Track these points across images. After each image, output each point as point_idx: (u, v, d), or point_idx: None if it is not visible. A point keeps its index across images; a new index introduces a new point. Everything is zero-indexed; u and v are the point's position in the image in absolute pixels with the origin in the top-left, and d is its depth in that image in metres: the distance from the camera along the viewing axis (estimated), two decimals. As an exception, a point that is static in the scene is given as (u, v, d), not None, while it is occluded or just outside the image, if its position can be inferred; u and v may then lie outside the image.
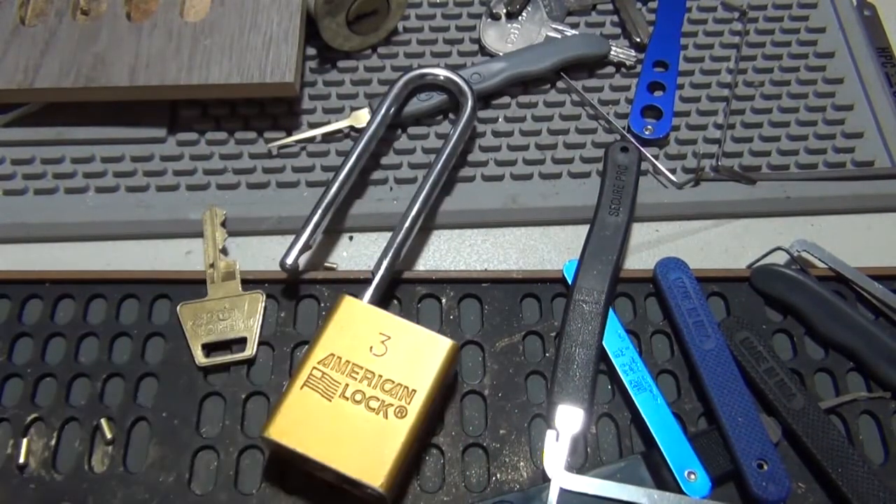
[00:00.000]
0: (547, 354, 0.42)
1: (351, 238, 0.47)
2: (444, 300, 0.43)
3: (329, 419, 0.35)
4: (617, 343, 0.40)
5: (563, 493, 0.36)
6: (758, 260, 0.45)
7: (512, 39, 0.54)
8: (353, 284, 0.44)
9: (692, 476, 0.36)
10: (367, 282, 0.41)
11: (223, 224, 0.46)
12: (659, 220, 0.48)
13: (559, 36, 0.54)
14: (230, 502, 0.37)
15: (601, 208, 0.44)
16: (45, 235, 0.46)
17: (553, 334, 0.42)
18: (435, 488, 0.38)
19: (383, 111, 0.47)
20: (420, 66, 0.48)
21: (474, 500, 0.37)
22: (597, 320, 0.40)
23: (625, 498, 0.36)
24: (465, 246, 0.47)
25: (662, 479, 0.37)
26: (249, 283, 0.43)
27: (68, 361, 0.41)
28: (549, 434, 0.38)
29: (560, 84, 0.52)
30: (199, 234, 0.46)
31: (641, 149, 0.47)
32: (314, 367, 0.37)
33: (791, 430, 0.38)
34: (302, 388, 0.36)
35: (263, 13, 0.49)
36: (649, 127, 0.50)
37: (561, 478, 0.36)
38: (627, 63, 0.53)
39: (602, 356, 0.40)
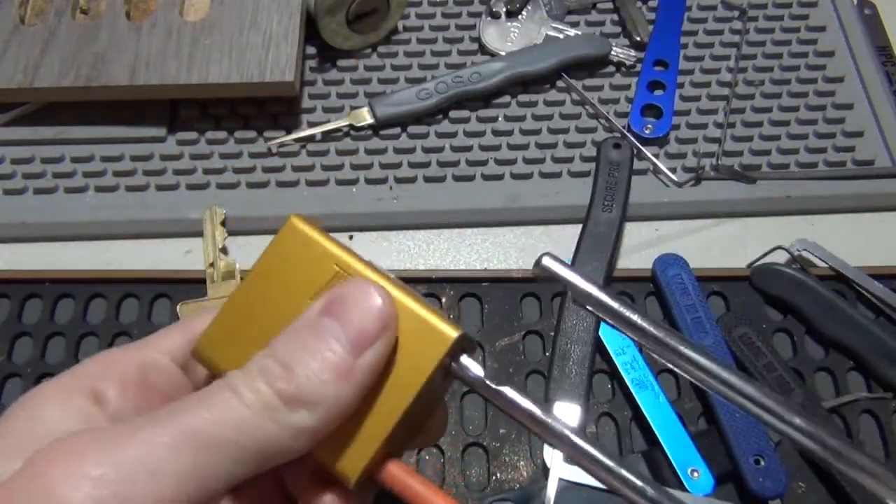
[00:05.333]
0: (547, 353, 0.42)
1: (351, 237, 0.47)
2: (444, 299, 0.43)
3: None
4: (618, 342, 0.40)
5: (563, 491, 0.36)
6: (758, 259, 0.45)
7: (512, 38, 0.54)
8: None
9: (695, 474, 0.36)
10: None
11: (223, 223, 0.46)
12: (659, 220, 0.48)
13: (559, 35, 0.53)
14: (230, 501, 0.37)
15: (594, 205, 0.44)
16: (45, 235, 0.46)
17: (553, 333, 0.42)
18: (435, 487, 0.38)
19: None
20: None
21: (474, 499, 0.37)
22: (592, 317, 0.40)
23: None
24: (465, 245, 0.47)
25: (663, 478, 0.37)
26: (249, 282, 0.43)
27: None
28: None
29: (560, 83, 0.52)
30: (199, 234, 0.46)
31: (641, 147, 0.47)
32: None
33: (791, 429, 0.38)
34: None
35: (263, 12, 0.48)
36: (649, 126, 0.50)
37: (561, 468, 0.36)
38: (627, 62, 0.53)
39: (603, 355, 0.40)
